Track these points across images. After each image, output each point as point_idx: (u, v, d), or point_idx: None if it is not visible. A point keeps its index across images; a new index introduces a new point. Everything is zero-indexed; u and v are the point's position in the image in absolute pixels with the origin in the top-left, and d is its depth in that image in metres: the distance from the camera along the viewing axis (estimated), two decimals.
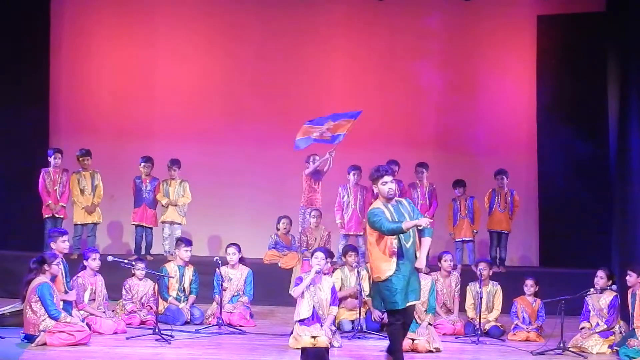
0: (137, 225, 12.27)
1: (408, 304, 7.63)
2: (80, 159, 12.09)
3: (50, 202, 11.91)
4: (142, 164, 12.23)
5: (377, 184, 7.73)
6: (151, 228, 12.28)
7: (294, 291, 9.34)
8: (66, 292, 9.34)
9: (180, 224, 12.24)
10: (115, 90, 13.57)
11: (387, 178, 7.67)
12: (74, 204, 12.07)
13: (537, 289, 10.33)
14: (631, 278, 9.38)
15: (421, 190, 12.33)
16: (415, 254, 7.71)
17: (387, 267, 7.57)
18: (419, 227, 7.52)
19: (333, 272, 10.40)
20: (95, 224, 12.15)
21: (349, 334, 9.79)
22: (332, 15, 13.73)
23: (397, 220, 7.55)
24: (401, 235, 7.54)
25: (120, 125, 13.49)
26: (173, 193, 12.19)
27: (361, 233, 12.16)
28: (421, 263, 7.70)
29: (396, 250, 7.58)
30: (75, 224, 12.06)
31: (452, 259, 10.83)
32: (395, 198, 7.78)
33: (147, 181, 12.25)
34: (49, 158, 12.02)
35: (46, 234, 11.74)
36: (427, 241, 7.74)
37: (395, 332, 7.78)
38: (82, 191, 12.04)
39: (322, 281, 9.35)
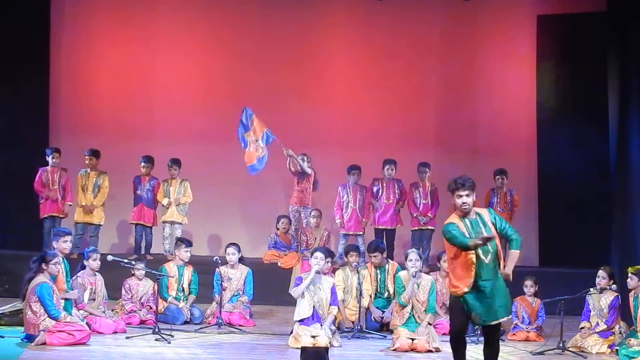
0: (136, 225, 12.29)
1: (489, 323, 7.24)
2: (85, 157, 12.12)
3: (47, 192, 11.89)
4: (142, 163, 12.25)
5: (453, 197, 7.23)
6: (150, 227, 12.29)
7: (294, 291, 9.34)
8: (67, 292, 9.34)
9: (181, 223, 12.25)
10: (115, 90, 13.57)
11: (462, 192, 7.14)
12: (76, 203, 12.12)
13: (536, 289, 10.32)
14: (632, 281, 9.33)
15: (423, 190, 12.34)
16: (497, 269, 7.17)
17: (464, 284, 7.12)
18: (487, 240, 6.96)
19: (333, 272, 10.40)
20: (97, 225, 12.16)
21: (349, 334, 9.78)
22: (333, 14, 13.74)
23: (472, 235, 7.08)
24: (479, 249, 7.03)
25: (121, 125, 13.49)
26: (174, 193, 12.20)
27: (360, 233, 12.18)
28: (506, 272, 7.19)
29: (475, 265, 7.06)
30: (76, 223, 12.09)
31: None
32: (476, 210, 7.25)
33: (146, 180, 12.27)
34: (46, 157, 12.05)
35: (45, 233, 11.79)
36: (514, 254, 7.19)
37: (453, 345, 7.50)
38: (82, 190, 12.08)
39: (322, 281, 9.36)
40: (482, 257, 7.10)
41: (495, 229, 7.17)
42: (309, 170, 12.24)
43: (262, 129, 12.00)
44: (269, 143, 12.05)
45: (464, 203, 7.15)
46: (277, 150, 13.26)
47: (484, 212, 7.31)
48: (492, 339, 7.39)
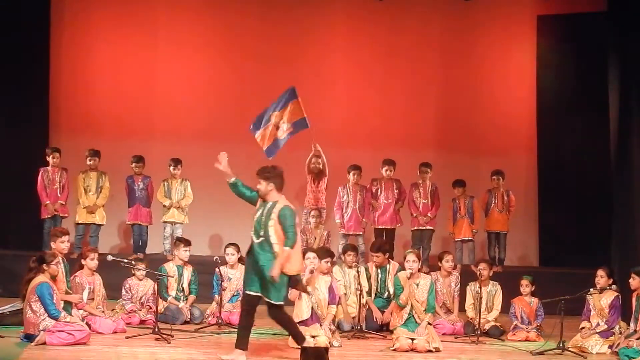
0: (132, 225, 12.29)
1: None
2: (87, 158, 12.13)
3: (48, 202, 11.95)
4: (134, 163, 12.26)
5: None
6: (147, 226, 12.30)
7: (291, 294, 9.33)
8: (67, 292, 9.35)
9: (181, 223, 12.26)
10: (115, 89, 13.58)
11: (259, 178, 8.26)
12: (78, 203, 12.12)
13: (533, 289, 10.31)
14: (634, 281, 9.33)
15: (423, 190, 12.33)
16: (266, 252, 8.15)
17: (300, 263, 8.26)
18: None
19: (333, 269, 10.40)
20: (98, 225, 12.17)
21: (349, 334, 9.78)
22: (333, 15, 13.75)
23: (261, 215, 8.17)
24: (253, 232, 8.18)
25: (120, 124, 13.50)
26: (175, 192, 12.20)
27: (360, 233, 12.17)
28: (270, 274, 8.08)
29: None
30: (77, 224, 12.12)
31: (453, 259, 10.83)
32: (278, 200, 8.23)
33: (139, 180, 12.28)
34: (46, 157, 12.05)
35: (45, 233, 11.78)
36: (281, 252, 8.10)
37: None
38: (85, 191, 12.09)
39: (319, 281, 9.36)
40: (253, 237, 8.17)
41: (279, 222, 8.07)
42: (326, 170, 12.18)
43: (302, 114, 11.31)
44: (300, 130, 11.38)
45: (257, 189, 8.22)
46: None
47: (280, 205, 8.16)
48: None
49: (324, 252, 9.93)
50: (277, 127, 11.28)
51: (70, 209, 12.22)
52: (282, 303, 8.21)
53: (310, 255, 9.42)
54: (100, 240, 12.32)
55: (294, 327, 8.46)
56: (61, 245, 9.49)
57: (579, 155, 13.13)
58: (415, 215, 12.29)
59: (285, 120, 11.31)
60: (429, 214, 12.24)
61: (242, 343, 8.23)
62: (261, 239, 8.14)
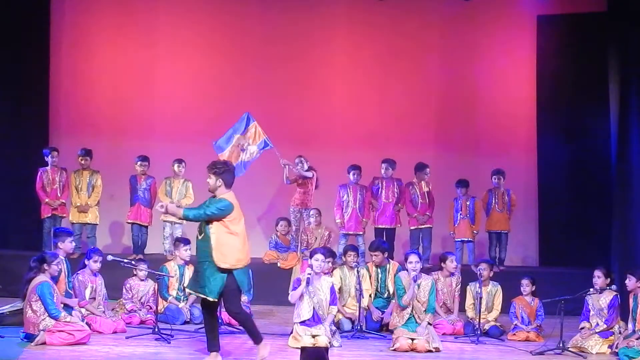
0: (132, 224, 12.30)
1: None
2: (79, 157, 12.13)
3: (48, 199, 11.94)
4: (139, 162, 12.25)
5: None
6: (146, 226, 12.30)
7: (291, 296, 9.33)
8: (68, 292, 9.36)
9: (181, 223, 12.24)
10: (115, 89, 13.58)
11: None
12: (72, 203, 12.15)
13: (533, 289, 10.32)
14: (630, 282, 9.36)
15: (420, 189, 12.33)
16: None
17: (245, 257, 8.01)
18: None
19: (333, 271, 10.40)
20: (93, 225, 12.16)
21: (349, 334, 9.79)
22: (333, 15, 13.74)
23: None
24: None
25: (120, 124, 13.50)
26: (176, 192, 12.19)
27: (361, 232, 12.17)
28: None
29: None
30: (71, 223, 12.10)
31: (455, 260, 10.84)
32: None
33: (142, 179, 12.27)
34: (45, 157, 12.05)
35: (45, 233, 11.78)
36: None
37: None
38: (77, 190, 12.09)
39: (321, 281, 9.36)
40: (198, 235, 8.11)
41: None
42: (309, 174, 12.20)
43: (261, 136, 11.78)
44: (264, 149, 11.79)
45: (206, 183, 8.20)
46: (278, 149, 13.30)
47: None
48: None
49: (326, 252, 9.93)
50: (241, 149, 11.68)
51: (68, 209, 12.23)
52: (214, 299, 7.98)
53: (319, 257, 9.39)
54: (99, 240, 12.32)
55: (250, 326, 8.28)
56: (69, 245, 9.63)
57: (579, 155, 13.12)
58: (414, 215, 12.25)
59: (250, 142, 11.71)
60: (427, 213, 12.24)
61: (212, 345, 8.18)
62: (202, 234, 8.05)
